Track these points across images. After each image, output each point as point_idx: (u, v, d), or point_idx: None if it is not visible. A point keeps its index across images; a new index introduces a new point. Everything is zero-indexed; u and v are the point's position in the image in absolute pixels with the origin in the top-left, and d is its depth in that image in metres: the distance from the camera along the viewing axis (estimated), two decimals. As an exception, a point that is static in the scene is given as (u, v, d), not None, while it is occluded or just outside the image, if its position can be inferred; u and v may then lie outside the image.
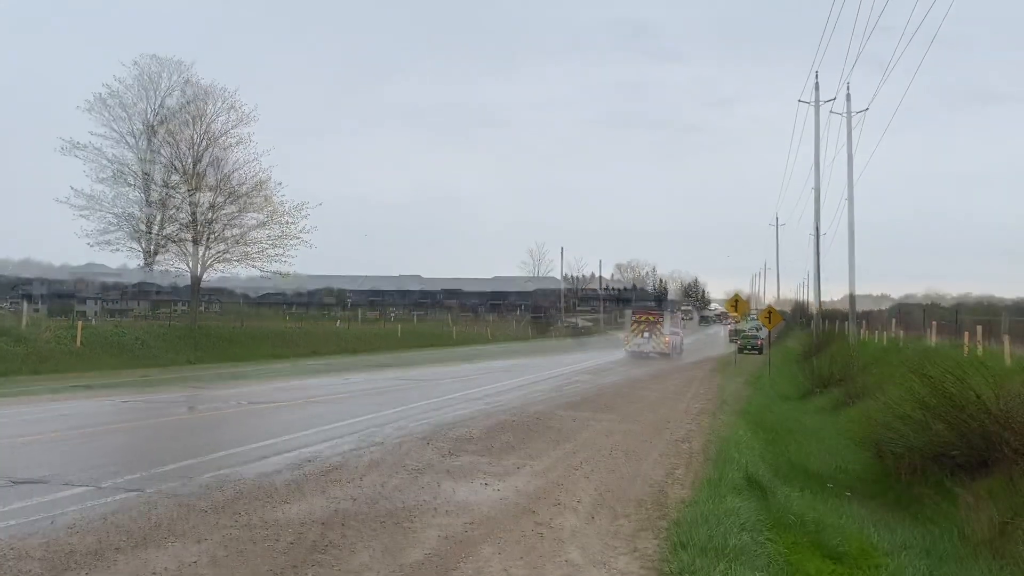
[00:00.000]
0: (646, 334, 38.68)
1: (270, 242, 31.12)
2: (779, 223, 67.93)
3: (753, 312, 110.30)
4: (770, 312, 33.18)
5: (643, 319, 39.74)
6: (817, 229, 30.86)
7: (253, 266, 31.40)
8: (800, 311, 56.08)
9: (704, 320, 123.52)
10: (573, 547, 6.09)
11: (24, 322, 24.26)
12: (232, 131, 30.62)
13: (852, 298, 31.27)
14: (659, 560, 5.83)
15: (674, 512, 7.26)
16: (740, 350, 42.94)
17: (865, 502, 11.45)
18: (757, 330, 49.43)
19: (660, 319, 40.66)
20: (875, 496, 11.70)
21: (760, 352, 43.08)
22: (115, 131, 28.89)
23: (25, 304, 32.14)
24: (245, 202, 30.66)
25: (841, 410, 18.70)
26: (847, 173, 30.44)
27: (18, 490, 7.24)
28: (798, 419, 19.46)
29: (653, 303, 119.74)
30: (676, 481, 8.82)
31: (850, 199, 30.68)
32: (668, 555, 5.91)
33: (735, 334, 57.06)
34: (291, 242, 31.33)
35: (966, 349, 16.34)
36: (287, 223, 31.11)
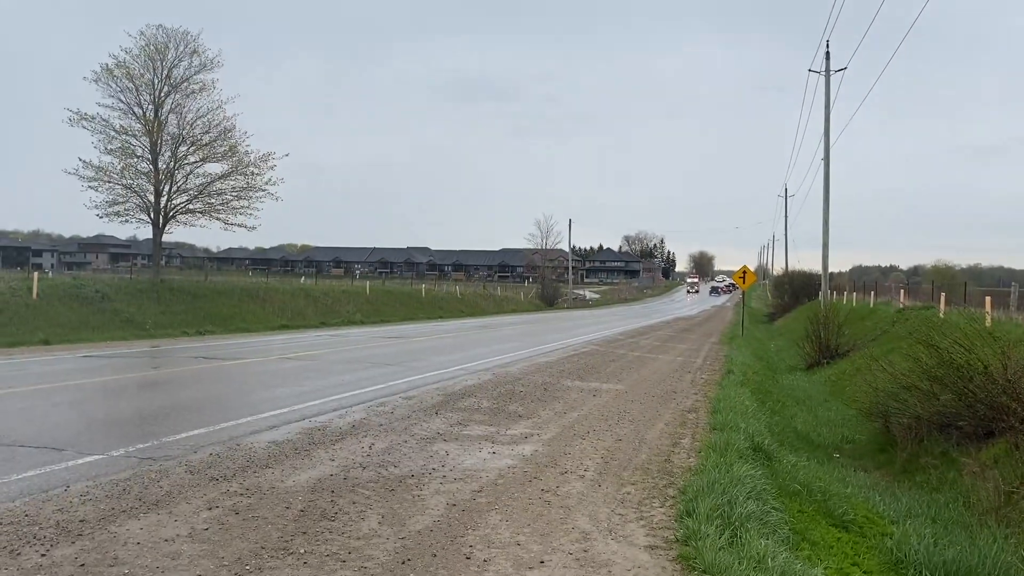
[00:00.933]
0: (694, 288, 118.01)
1: (234, 194, 30.77)
2: (788, 194, 67.60)
3: (764, 281, 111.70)
4: (744, 272, 33.70)
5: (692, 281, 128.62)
6: (826, 199, 30.58)
7: (217, 218, 31.01)
8: (803, 281, 55.78)
9: (715, 291, 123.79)
10: (580, 514, 6.14)
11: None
12: (195, 77, 30.08)
13: (825, 261, 31.25)
14: (666, 527, 5.88)
15: (681, 480, 7.30)
16: (687, 292, 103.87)
17: (871, 471, 11.52)
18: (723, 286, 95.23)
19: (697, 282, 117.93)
20: (881, 466, 11.76)
21: (696, 292, 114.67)
22: (123, 102, 28.81)
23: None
24: (208, 151, 30.23)
25: (848, 379, 18.74)
26: (823, 133, 30.34)
27: (32, 458, 7.32)
28: (805, 390, 19.51)
29: (698, 277, 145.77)
30: (682, 449, 8.86)
31: (826, 159, 30.49)
32: (675, 523, 5.97)
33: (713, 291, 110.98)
34: (257, 194, 30.97)
35: (989, 320, 16.30)
36: (252, 174, 30.74)
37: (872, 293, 36.59)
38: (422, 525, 5.73)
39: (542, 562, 5.07)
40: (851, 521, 7.49)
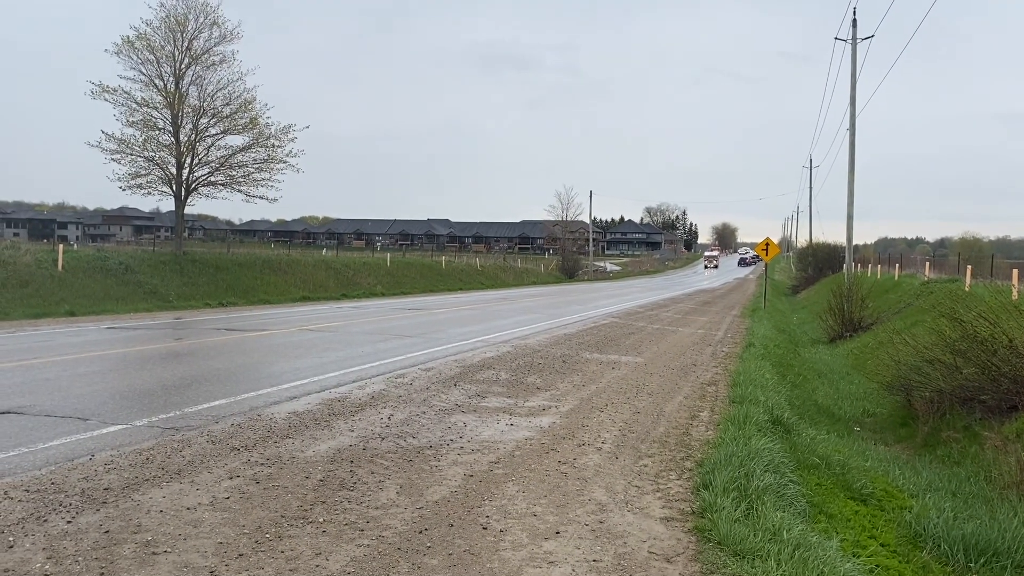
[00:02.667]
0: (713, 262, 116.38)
1: (256, 166, 30.80)
2: (812, 165, 66.71)
3: (788, 254, 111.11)
4: (767, 244, 33.48)
5: (711, 255, 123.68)
6: (851, 170, 30.16)
7: (239, 190, 31.12)
8: (827, 254, 55.28)
9: (743, 262, 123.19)
10: (597, 486, 6.17)
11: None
12: (215, 49, 29.98)
13: (850, 233, 30.78)
14: (683, 500, 5.89)
15: (698, 453, 7.31)
16: (705, 267, 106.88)
17: (892, 445, 11.47)
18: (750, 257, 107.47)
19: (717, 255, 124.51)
20: (902, 439, 11.70)
21: (716, 268, 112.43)
22: (144, 74, 28.88)
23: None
24: (229, 123, 30.22)
25: (870, 353, 18.60)
26: (849, 103, 29.76)
27: (57, 428, 7.45)
28: (827, 363, 19.39)
29: (718, 249, 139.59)
30: (701, 422, 8.86)
31: (852, 130, 29.97)
32: (691, 495, 5.98)
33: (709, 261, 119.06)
34: (278, 166, 30.99)
35: (1015, 293, 16.08)
36: (273, 146, 30.73)
37: (897, 266, 36.22)
38: (439, 495, 5.78)
39: (558, 533, 5.11)
40: (870, 494, 7.47)
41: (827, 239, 66.19)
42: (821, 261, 56.53)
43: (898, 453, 10.78)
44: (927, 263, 31.32)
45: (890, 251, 58.66)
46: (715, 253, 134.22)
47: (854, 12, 31.52)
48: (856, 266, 37.99)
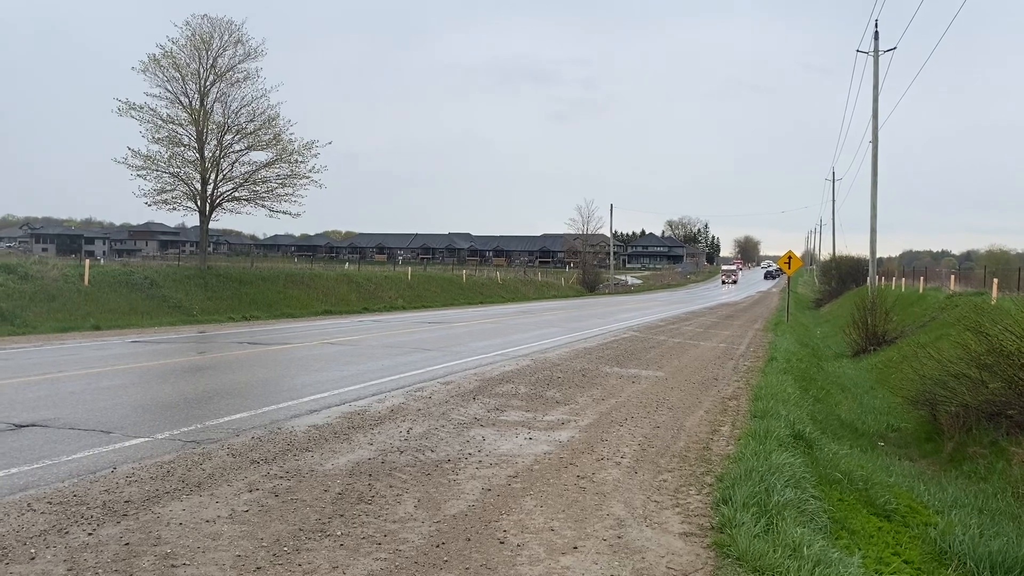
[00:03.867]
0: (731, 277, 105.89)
1: (279, 181, 31.08)
2: (835, 177, 66.30)
3: (811, 267, 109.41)
4: (789, 257, 33.24)
5: (729, 269, 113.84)
6: (874, 183, 29.92)
7: (262, 206, 31.40)
8: (850, 267, 54.76)
9: (769, 275, 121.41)
10: (615, 501, 6.13)
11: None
12: (239, 66, 30.41)
13: (873, 246, 30.50)
14: (702, 515, 5.84)
15: (719, 468, 7.25)
16: (723, 282, 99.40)
17: (917, 461, 11.31)
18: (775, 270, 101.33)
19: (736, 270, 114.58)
20: (927, 455, 11.54)
21: (735, 283, 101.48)
22: (169, 92, 29.30)
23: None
24: (253, 139, 30.57)
25: (894, 367, 18.38)
26: (872, 115, 29.53)
27: (81, 440, 7.54)
28: (850, 377, 19.19)
29: (736, 263, 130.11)
30: (721, 437, 8.79)
31: (875, 142, 29.73)
32: (711, 510, 5.93)
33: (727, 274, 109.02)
34: (301, 181, 31.24)
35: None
36: (296, 162, 31.01)
37: (922, 278, 35.81)
38: (457, 509, 5.78)
39: (575, 547, 5.08)
40: (893, 510, 7.36)
41: (850, 252, 65.77)
42: (845, 274, 56.01)
43: (923, 469, 10.63)
44: (952, 276, 30.96)
45: (915, 264, 58.04)
46: (733, 267, 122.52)
47: (875, 25, 31.34)
48: (880, 279, 37.60)
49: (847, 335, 25.59)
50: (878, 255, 31.64)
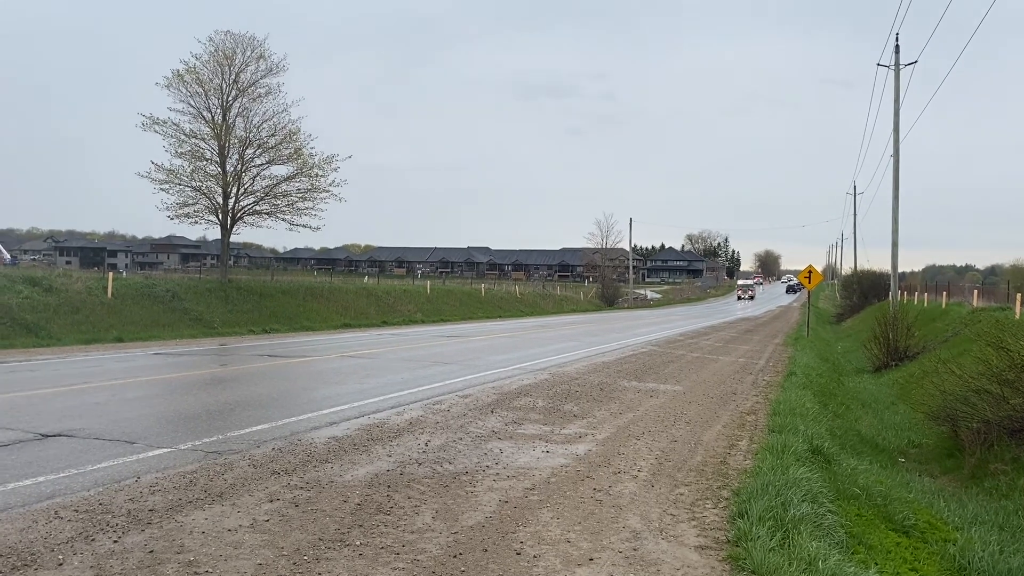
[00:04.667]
0: (748, 292, 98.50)
1: (299, 195, 31.33)
2: (856, 191, 65.93)
3: (833, 281, 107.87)
4: (810, 272, 33.02)
5: (745, 284, 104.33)
6: (896, 197, 29.76)
7: (283, 219, 31.64)
8: (872, 281, 54.31)
9: (791, 290, 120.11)
10: (632, 514, 6.17)
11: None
12: (261, 81, 30.73)
13: (894, 260, 30.28)
14: (718, 528, 5.86)
15: (735, 482, 7.26)
16: (739, 298, 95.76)
17: (938, 477, 11.23)
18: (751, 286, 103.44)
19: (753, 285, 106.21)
20: (948, 471, 11.45)
21: (752, 299, 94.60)
22: (192, 107, 29.72)
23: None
24: (274, 154, 30.86)
25: (916, 383, 18.25)
26: (893, 129, 29.43)
27: (106, 450, 7.67)
28: (871, 392, 19.06)
29: (754, 278, 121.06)
30: (739, 451, 8.79)
31: (896, 156, 29.57)
32: (727, 524, 5.95)
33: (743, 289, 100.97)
34: (321, 195, 31.46)
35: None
36: (317, 176, 31.23)
37: (944, 293, 35.51)
38: (474, 521, 5.83)
39: (591, 559, 5.12)
40: (912, 526, 7.34)
41: (872, 267, 65.14)
42: (866, 289, 55.56)
43: (944, 485, 10.55)
44: (975, 291, 30.68)
45: (938, 278, 57.51)
46: (750, 282, 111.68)
47: (896, 38, 31.29)
48: (902, 294, 37.30)
49: (868, 350, 25.42)
50: (900, 269, 31.40)
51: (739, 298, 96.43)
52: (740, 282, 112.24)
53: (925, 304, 38.00)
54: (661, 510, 6.30)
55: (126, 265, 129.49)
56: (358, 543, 5.27)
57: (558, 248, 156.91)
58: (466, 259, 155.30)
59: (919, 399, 15.98)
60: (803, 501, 6.20)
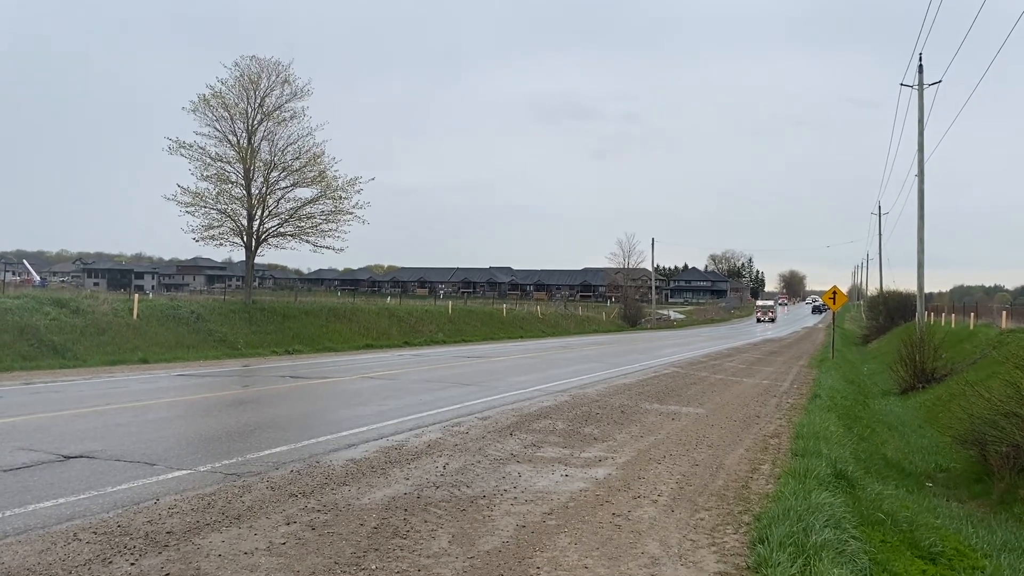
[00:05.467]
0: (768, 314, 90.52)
1: (323, 217, 31.52)
2: (881, 212, 65.35)
3: (858, 302, 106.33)
4: (834, 293, 32.61)
5: (765, 305, 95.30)
6: (921, 217, 29.45)
7: (307, 241, 31.86)
8: (898, 302, 53.61)
9: (817, 310, 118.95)
10: (651, 539, 6.09)
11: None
12: (286, 105, 31.02)
13: (920, 281, 29.88)
14: (738, 554, 5.77)
15: (757, 507, 7.15)
16: (758, 320, 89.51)
17: (966, 502, 11.00)
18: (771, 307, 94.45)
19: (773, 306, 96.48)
20: (977, 496, 11.22)
21: (772, 321, 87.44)
22: (218, 131, 30.11)
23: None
24: (298, 177, 31.10)
25: (943, 405, 17.95)
26: (917, 149, 29.15)
27: (126, 472, 7.71)
28: (897, 415, 18.77)
29: (773, 300, 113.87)
30: (761, 475, 8.67)
31: (920, 174, 29.29)
32: (747, 549, 5.85)
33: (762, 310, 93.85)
34: (344, 217, 31.62)
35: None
36: (340, 198, 31.41)
37: (972, 315, 34.97)
38: (491, 545, 5.78)
39: (609, 586, 5.05)
40: (939, 553, 7.17)
41: (898, 287, 64.46)
42: (892, 310, 54.86)
43: (972, 510, 10.32)
44: (1004, 312, 30.18)
45: (966, 299, 56.79)
46: (770, 303, 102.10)
47: (920, 58, 31.08)
48: (929, 315, 36.79)
49: (894, 372, 25.05)
50: (927, 290, 31.01)
51: (759, 320, 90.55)
52: (759, 303, 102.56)
53: (952, 325, 37.47)
54: (681, 535, 6.22)
55: (152, 287, 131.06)
56: (374, 567, 5.24)
57: (580, 268, 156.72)
58: (488, 279, 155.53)
59: (947, 422, 15.71)
60: (825, 527, 6.09)
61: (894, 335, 42.90)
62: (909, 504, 8.76)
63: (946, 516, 9.16)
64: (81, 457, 8.33)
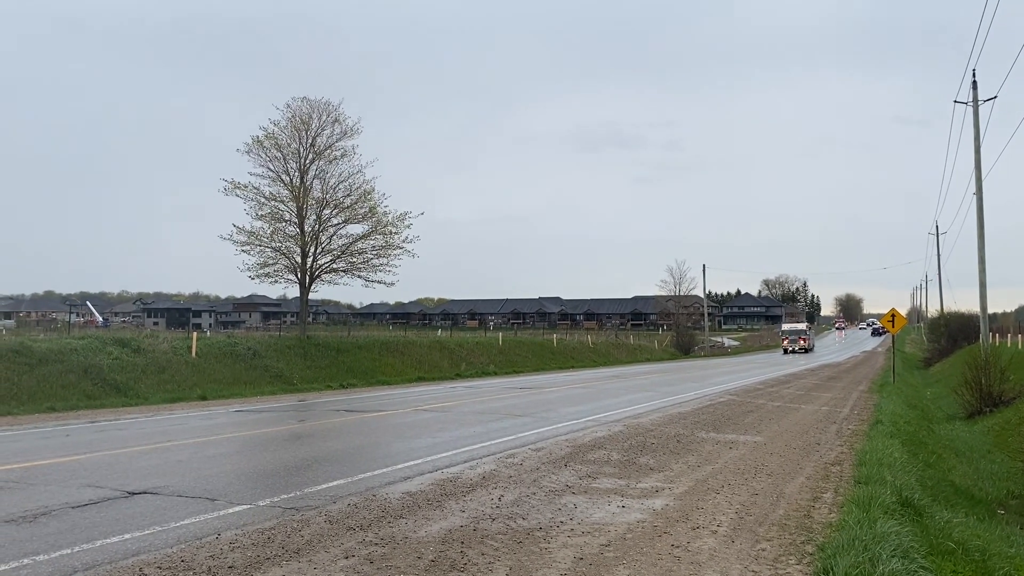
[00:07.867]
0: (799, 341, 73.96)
1: (374, 252, 32.03)
2: (939, 231, 63.83)
3: (918, 324, 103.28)
4: (893, 315, 31.78)
5: (795, 330, 76.66)
6: (981, 236, 28.68)
7: (359, 276, 32.30)
8: (960, 323, 52.11)
9: (876, 332, 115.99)
10: (711, 571, 5.98)
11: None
12: (337, 144, 31.77)
13: (983, 301, 28.88)
14: (802, 586, 5.63)
15: (820, 536, 6.98)
16: (785, 351, 73.09)
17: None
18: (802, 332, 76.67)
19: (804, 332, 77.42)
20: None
21: (806, 351, 72.36)
22: (271, 171, 30.89)
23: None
24: (350, 213, 31.72)
25: (1013, 429, 17.34)
26: (974, 166, 28.45)
27: (188, 507, 7.86)
28: (964, 440, 18.18)
29: (805, 321, 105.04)
30: (823, 504, 8.46)
31: (979, 192, 28.54)
32: (812, 581, 5.70)
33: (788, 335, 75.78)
34: (395, 252, 32.11)
35: None
36: (391, 233, 31.92)
37: (1040, 335, 33.79)
38: (549, 578, 5.74)
39: (670, 619, 4.97)
40: (1015, 584, 6.90)
41: (959, 308, 62.63)
42: (954, 331, 53.35)
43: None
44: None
45: (1032, 318, 54.93)
46: (800, 327, 79.93)
47: (973, 74, 30.46)
48: (993, 336, 35.67)
49: (959, 396, 24.29)
50: (991, 310, 30.14)
51: (785, 352, 72.57)
52: (784, 327, 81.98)
53: (1020, 346, 36.25)
54: (742, 566, 6.09)
55: (210, 324, 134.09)
56: (432, 601, 5.23)
57: (630, 296, 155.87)
58: (537, 309, 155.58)
59: (1018, 446, 15.16)
60: (893, 556, 5.90)
61: (957, 357, 41.64)
62: (981, 532, 8.46)
63: (1021, 545, 8.81)
64: (145, 493, 8.51)
